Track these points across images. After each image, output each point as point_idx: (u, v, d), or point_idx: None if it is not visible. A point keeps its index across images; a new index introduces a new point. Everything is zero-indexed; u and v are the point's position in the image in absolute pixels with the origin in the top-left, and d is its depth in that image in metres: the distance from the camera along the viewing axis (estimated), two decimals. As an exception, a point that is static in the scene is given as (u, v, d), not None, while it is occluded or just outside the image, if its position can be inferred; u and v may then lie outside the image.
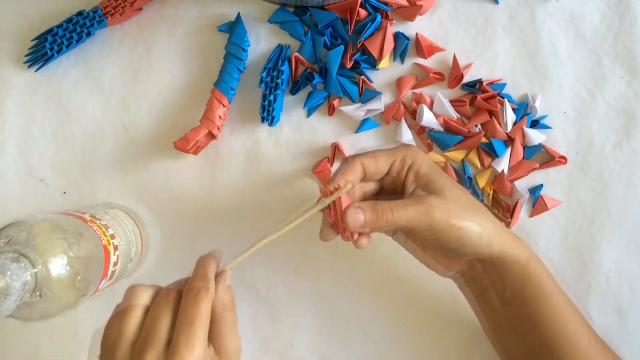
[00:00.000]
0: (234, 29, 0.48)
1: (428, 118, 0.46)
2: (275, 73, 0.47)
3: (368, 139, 0.49)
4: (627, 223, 0.48)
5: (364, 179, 0.40)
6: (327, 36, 0.48)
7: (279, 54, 0.47)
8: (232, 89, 0.47)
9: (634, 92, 0.48)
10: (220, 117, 0.47)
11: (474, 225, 0.37)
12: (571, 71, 0.49)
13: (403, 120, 0.48)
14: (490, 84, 0.48)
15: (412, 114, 0.48)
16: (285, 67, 0.47)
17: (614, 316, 0.47)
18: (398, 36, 0.48)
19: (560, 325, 0.39)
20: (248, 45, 0.48)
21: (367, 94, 0.48)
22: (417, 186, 0.39)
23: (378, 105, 0.47)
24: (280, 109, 0.48)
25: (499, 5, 0.49)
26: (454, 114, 0.47)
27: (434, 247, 0.40)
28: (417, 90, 0.48)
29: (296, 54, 0.48)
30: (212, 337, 0.34)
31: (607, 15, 0.49)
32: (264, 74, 0.47)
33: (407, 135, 0.47)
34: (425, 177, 0.39)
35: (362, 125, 0.48)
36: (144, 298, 0.35)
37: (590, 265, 0.47)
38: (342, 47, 0.47)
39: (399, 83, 0.48)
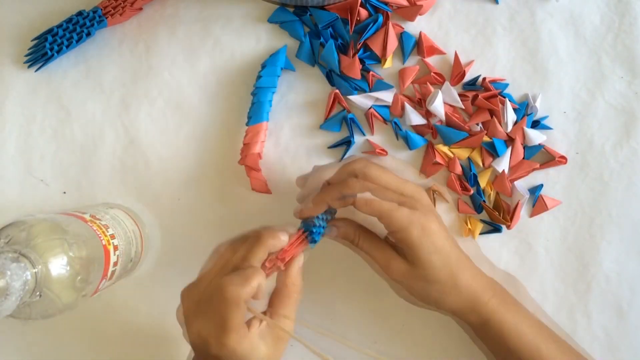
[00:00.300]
0: (273, 60, 0.48)
1: (438, 104, 0.46)
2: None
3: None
4: (627, 223, 0.48)
5: None
6: (327, 36, 0.48)
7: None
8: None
9: (634, 92, 0.48)
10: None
11: (428, 300, 0.40)
12: (571, 71, 0.49)
13: (407, 105, 0.47)
14: (493, 81, 0.48)
15: (418, 102, 0.48)
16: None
17: (614, 316, 0.47)
18: (403, 35, 0.48)
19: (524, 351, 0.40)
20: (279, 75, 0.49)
21: (378, 86, 0.48)
22: (398, 244, 0.40)
23: (387, 96, 0.47)
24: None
25: (499, 5, 0.49)
26: (460, 104, 0.47)
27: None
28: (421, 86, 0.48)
29: (336, 91, 0.48)
30: (274, 305, 0.37)
31: (607, 15, 0.49)
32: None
33: (415, 119, 0.47)
34: (406, 246, 0.39)
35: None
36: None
37: (590, 265, 0.47)
38: (332, 42, 0.47)
39: (402, 74, 0.48)
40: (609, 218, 0.48)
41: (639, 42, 0.48)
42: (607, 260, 0.47)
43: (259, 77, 0.48)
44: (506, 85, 0.48)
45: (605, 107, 0.48)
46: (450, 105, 0.47)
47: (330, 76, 0.48)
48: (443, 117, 0.47)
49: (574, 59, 0.49)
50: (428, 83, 0.48)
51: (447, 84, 0.47)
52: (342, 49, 0.48)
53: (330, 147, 0.49)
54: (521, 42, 0.49)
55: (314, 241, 0.40)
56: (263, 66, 0.48)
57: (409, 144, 0.48)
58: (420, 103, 0.48)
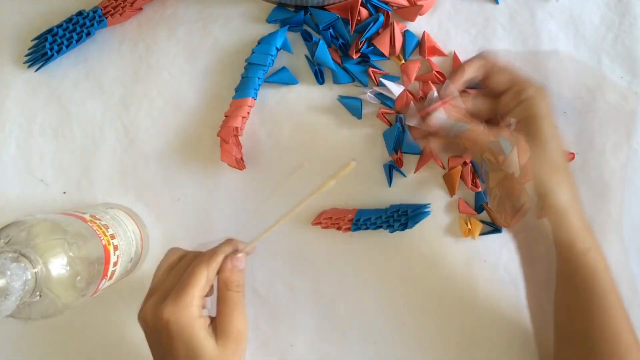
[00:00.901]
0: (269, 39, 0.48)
1: (440, 115, 0.46)
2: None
3: (372, 129, 0.49)
4: (627, 223, 0.48)
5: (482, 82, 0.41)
6: (327, 37, 0.48)
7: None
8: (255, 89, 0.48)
9: (634, 92, 0.48)
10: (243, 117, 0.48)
11: (539, 187, 0.37)
12: (571, 71, 0.49)
13: (412, 104, 0.47)
14: None
15: (421, 99, 0.48)
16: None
17: (614, 316, 0.47)
18: (406, 34, 0.48)
19: (601, 326, 0.37)
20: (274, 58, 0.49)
21: (386, 79, 0.48)
22: (517, 119, 0.39)
23: (395, 89, 0.47)
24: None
25: (499, 5, 0.49)
26: (462, 104, 0.47)
27: (502, 194, 0.39)
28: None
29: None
30: (216, 315, 0.38)
31: (607, 15, 0.49)
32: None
33: (414, 122, 0.47)
34: (530, 117, 0.38)
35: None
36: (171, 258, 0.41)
37: (590, 265, 0.47)
38: (322, 41, 0.48)
39: (404, 69, 0.48)
40: (609, 218, 0.48)
41: (639, 42, 0.48)
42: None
43: (252, 52, 0.48)
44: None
45: (605, 107, 0.48)
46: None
47: (319, 75, 0.48)
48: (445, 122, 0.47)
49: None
50: (430, 82, 0.48)
51: (447, 82, 0.47)
52: (343, 49, 0.48)
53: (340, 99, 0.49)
54: (521, 42, 0.49)
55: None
56: (259, 42, 0.48)
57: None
58: (423, 100, 0.48)
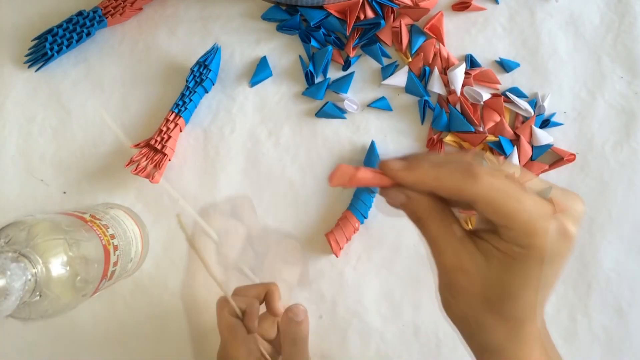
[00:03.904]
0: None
1: (459, 72, 0.47)
2: (204, 70, 0.48)
3: (378, 121, 0.49)
4: (627, 223, 0.48)
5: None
6: (319, 36, 0.49)
7: (214, 53, 0.48)
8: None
9: (634, 92, 0.48)
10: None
11: (476, 324, 0.30)
12: (571, 71, 0.49)
13: (436, 70, 0.48)
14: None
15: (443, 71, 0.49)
16: (213, 66, 0.48)
17: (614, 316, 0.47)
18: (412, 29, 0.49)
19: None
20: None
21: (387, 70, 0.49)
22: (499, 249, 0.28)
23: (402, 79, 0.48)
24: (194, 108, 0.49)
25: (499, 5, 0.49)
26: (459, 89, 0.47)
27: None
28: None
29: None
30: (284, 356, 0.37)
31: (607, 15, 0.49)
32: (195, 68, 0.48)
33: (438, 86, 0.48)
34: (517, 261, 0.27)
35: (376, 102, 0.49)
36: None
37: (590, 265, 0.47)
38: (329, 48, 0.48)
39: (423, 50, 0.49)
40: (609, 218, 0.48)
41: (639, 42, 0.48)
42: (607, 260, 0.47)
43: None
44: (517, 89, 0.48)
45: (605, 107, 0.48)
46: (466, 97, 0.48)
47: (309, 77, 0.49)
48: (459, 88, 0.47)
49: (574, 59, 0.49)
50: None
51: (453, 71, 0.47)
52: (338, 43, 0.49)
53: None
54: (521, 42, 0.49)
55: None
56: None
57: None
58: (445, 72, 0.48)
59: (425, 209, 0.29)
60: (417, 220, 0.30)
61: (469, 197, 0.27)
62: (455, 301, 0.31)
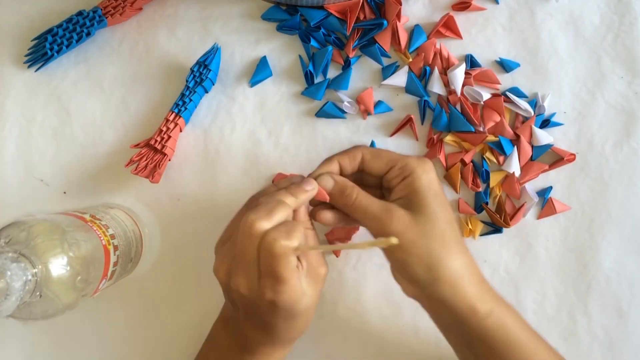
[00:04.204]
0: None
1: (459, 73, 0.47)
2: (204, 70, 0.47)
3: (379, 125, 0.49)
4: (627, 223, 0.48)
5: (361, 170, 0.40)
6: (319, 36, 0.49)
7: (213, 53, 0.48)
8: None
9: (634, 92, 0.48)
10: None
11: (428, 260, 0.36)
12: (571, 71, 0.49)
13: (436, 70, 0.48)
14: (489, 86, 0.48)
15: (443, 71, 0.49)
16: (213, 66, 0.47)
17: (614, 316, 0.47)
18: (415, 29, 0.49)
19: None
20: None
21: (387, 70, 0.49)
22: (401, 196, 0.38)
23: (402, 79, 0.48)
24: (194, 108, 0.48)
25: (499, 5, 0.49)
26: (459, 89, 0.47)
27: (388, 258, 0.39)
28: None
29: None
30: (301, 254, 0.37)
31: (607, 15, 0.49)
32: (195, 68, 0.47)
33: (438, 87, 0.47)
34: (413, 192, 0.37)
35: (376, 107, 0.49)
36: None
37: (590, 265, 0.47)
38: (329, 48, 0.47)
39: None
40: (609, 218, 0.48)
41: (639, 42, 0.48)
42: (607, 260, 0.47)
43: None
44: (517, 89, 0.48)
45: (605, 107, 0.48)
46: (466, 97, 0.48)
47: (309, 77, 0.49)
48: (459, 88, 0.47)
49: (574, 59, 0.49)
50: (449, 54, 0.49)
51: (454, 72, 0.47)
52: (338, 43, 0.49)
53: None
54: (521, 42, 0.49)
55: None
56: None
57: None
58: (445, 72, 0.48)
59: (348, 183, 0.38)
60: (347, 196, 0.38)
61: (354, 156, 0.39)
62: (407, 263, 0.36)
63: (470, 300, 0.36)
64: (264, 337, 0.38)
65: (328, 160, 0.40)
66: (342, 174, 0.40)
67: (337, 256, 0.48)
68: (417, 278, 0.36)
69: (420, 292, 0.37)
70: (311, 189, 0.38)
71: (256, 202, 0.37)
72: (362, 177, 0.41)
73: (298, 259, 0.35)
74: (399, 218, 0.36)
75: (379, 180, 0.40)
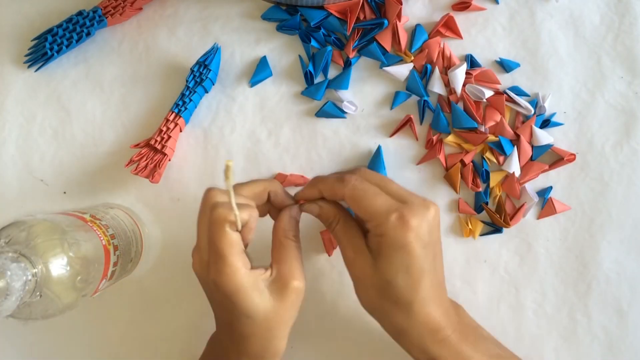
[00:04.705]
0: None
1: (459, 73, 0.46)
2: (204, 70, 0.47)
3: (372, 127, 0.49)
4: (627, 223, 0.48)
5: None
6: (319, 36, 0.49)
7: (214, 53, 0.48)
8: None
9: (634, 92, 0.48)
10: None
11: (375, 310, 0.38)
12: (571, 71, 0.49)
13: (436, 69, 0.48)
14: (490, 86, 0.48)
15: (444, 71, 0.49)
16: (213, 66, 0.47)
17: (614, 316, 0.47)
18: (417, 28, 0.49)
19: None
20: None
21: (391, 59, 0.48)
22: (371, 246, 0.37)
23: (404, 71, 0.48)
24: (194, 108, 0.48)
25: (498, 5, 0.49)
26: (459, 89, 0.47)
27: None
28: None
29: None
30: (272, 265, 0.36)
31: (607, 15, 0.49)
32: (195, 68, 0.47)
33: (438, 86, 0.47)
34: (382, 252, 0.35)
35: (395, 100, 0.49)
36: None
37: (590, 265, 0.47)
38: (328, 49, 0.47)
39: (427, 48, 0.48)
40: (609, 218, 0.48)
41: (639, 42, 0.48)
42: (607, 260, 0.47)
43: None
44: (518, 88, 0.48)
45: (605, 107, 0.48)
46: (468, 94, 0.48)
47: (308, 77, 0.49)
48: (460, 88, 0.47)
49: (574, 59, 0.49)
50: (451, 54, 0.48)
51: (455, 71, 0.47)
52: (338, 44, 0.49)
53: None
54: (521, 42, 0.49)
55: None
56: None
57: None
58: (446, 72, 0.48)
59: (332, 214, 0.39)
60: (328, 225, 0.39)
61: (341, 196, 0.37)
62: (361, 293, 0.38)
63: (412, 351, 0.37)
64: (228, 341, 0.37)
65: (312, 184, 0.39)
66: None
67: (329, 255, 0.48)
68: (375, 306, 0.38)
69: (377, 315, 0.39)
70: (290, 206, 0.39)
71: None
72: None
73: (271, 266, 0.36)
74: (360, 263, 0.37)
75: None
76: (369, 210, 0.35)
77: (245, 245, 0.36)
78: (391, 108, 0.49)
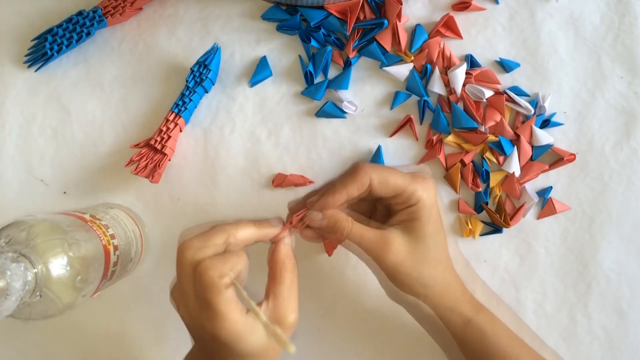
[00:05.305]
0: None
1: (459, 73, 0.46)
2: (204, 70, 0.47)
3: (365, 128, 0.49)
4: (627, 223, 0.48)
5: (367, 194, 0.39)
6: (319, 36, 0.49)
7: (213, 53, 0.48)
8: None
9: (634, 92, 0.48)
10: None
11: (419, 281, 0.38)
12: (571, 71, 0.49)
13: (436, 69, 0.48)
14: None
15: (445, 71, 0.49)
16: (213, 66, 0.47)
17: (614, 316, 0.47)
18: (417, 28, 0.49)
19: None
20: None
21: (391, 59, 0.49)
22: (402, 221, 0.39)
23: (404, 71, 0.48)
24: (194, 108, 0.48)
25: (499, 5, 0.49)
26: (459, 89, 0.47)
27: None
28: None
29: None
30: (269, 299, 0.35)
31: (607, 15, 0.49)
32: (195, 68, 0.47)
33: (438, 86, 0.47)
34: (416, 220, 0.38)
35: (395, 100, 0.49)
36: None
37: (590, 265, 0.47)
38: (328, 48, 0.47)
39: (427, 47, 0.48)
40: (609, 218, 0.48)
41: (639, 42, 0.48)
42: (607, 260, 0.47)
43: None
44: (518, 88, 0.48)
45: (605, 107, 0.48)
46: (468, 94, 0.47)
47: (308, 77, 0.49)
48: (460, 88, 0.47)
49: (574, 59, 0.49)
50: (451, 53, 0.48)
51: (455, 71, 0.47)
52: (338, 44, 0.49)
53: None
54: (521, 42, 0.49)
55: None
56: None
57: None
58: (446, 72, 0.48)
59: (342, 217, 0.38)
60: (341, 231, 0.38)
61: (365, 184, 0.37)
62: (399, 278, 0.38)
63: (448, 312, 0.39)
64: None
65: (332, 190, 0.38)
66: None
67: (329, 255, 0.48)
68: (406, 298, 0.39)
69: (403, 302, 0.41)
70: (275, 227, 0.37)
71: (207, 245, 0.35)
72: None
73: (267, 297, 0.35)
74: (397, 248, 0.38)
75: (371, 197, 0.40)
76: (398, 184, 0.38)
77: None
78: (391, 108, 0.49)
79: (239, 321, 0.33)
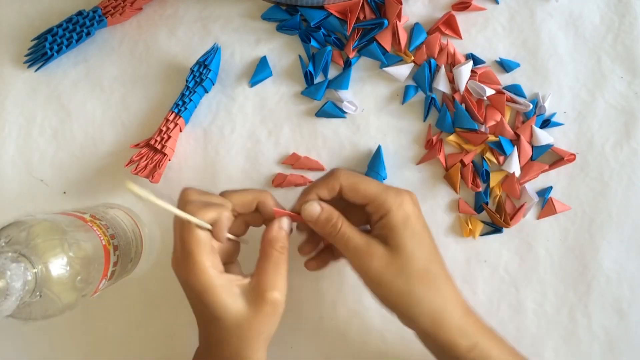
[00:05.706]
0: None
1: (465, 70, 0.46)
2: (204, 70, 0.47)
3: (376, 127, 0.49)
4: (627, 223, 0.48)
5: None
6: (319, 36, 0.49)
7: (214, 53, 0.48)
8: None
9: (634, 92, 0.48)
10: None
11: (408, 298, 0.36)
12: (571, 71, 0.49)
13: (442, 67, 0.48)
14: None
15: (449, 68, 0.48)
16: (213, 66, 0.47)
17: (614, 316, 0.47)
18: (415, 27, 0.49)
19: None
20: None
21: (415, 37, 0.48)
22: (379, 233, 0.37)
23: (404, 72, 0.48)
24: (194, 108, 0.48)
25: (499, 5, 0.49)
26: (462, 87, 0.47)
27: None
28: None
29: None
30: (255, 274, 0.36)
31: (607, 15, 0.49)
32: (195, 68, 0.47)
33: (443, 84, 0.47)
34: (390, 231, 0.36)
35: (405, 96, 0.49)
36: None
37: (591, 265, 0.47)
38: (328, 49, 0.47)
39: (427, 44, 0.48)
40: (609, 218, 0.48)
41: (639, 42, 0.48)
42: (607, 260, 0.47)
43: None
44: (518, 87, 0.48)
45: (605, 107, 0.48)
46: (470, 92, 0.47)
47: (308, 77, 0.49)
48: (463, 85, 0.47)
49: (574, 59, 0.49)
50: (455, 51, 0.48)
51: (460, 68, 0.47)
52: (338, 44, 0.49)
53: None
54: (521, 42, 0.49)
55: None
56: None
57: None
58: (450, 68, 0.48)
59: (335, 213, 0.38)
60: (332, 226, 0.37)
61: (337, 188, 0.38)
62: (383, 290, 0.37)
63: (452, 335, 0.36)
64: (203, 348, 0.37)
65: (306, 192, 0.39)
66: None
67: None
68: (397, 315, 0.37)
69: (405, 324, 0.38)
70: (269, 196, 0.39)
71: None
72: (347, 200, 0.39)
73: (252, 275, 0.36)
74: (378, 256, 0.36)
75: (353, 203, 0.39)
76: (369, 192, 0.37)
77: (233, 252, 0.38)
78: (402, 103, 0.48)
79: (209, 270, 0.34)
